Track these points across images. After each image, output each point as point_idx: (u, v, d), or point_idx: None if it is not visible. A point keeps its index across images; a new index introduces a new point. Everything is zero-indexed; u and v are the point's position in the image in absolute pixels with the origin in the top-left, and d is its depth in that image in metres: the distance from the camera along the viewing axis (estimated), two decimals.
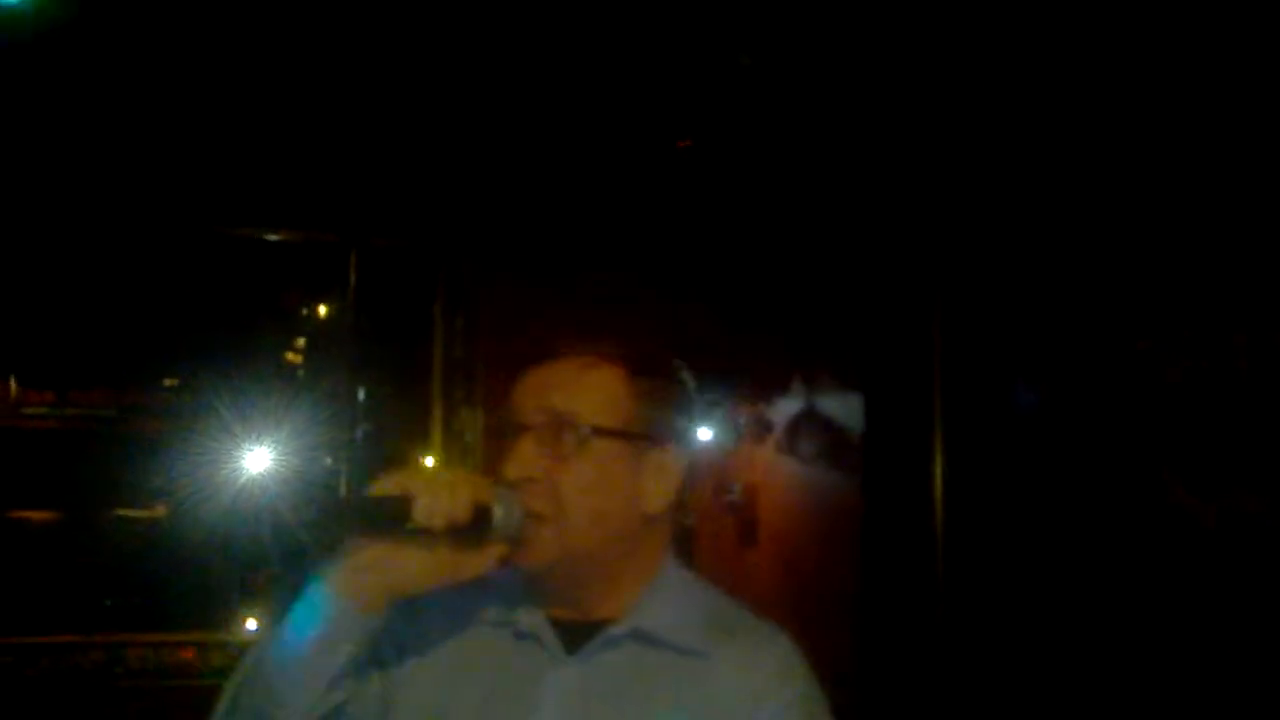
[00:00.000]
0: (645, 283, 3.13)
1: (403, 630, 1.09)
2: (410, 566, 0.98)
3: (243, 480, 3.20)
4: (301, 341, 3.36)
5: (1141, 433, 2.31)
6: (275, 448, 3.19)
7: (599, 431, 1.04)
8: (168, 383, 3.63)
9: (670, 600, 1.08)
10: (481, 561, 1.01)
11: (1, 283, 3.00)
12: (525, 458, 1.03)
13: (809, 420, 2.96)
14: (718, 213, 3.16)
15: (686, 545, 2.94)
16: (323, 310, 3.23)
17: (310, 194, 2.92)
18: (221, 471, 3.20)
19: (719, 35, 2.65)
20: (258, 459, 3.21)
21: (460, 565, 1.01)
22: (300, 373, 3.42)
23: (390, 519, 0.96)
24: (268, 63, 2.71)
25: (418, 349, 3.09)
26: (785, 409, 3.07)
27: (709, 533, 3.21)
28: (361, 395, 2.71)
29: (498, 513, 1.00)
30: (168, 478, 3.46)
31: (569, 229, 3.14)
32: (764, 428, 3.11)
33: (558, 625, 1.06)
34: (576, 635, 1.05)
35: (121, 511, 3.63)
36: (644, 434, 1.06)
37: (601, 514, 1.04)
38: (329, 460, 2.78)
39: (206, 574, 3.40)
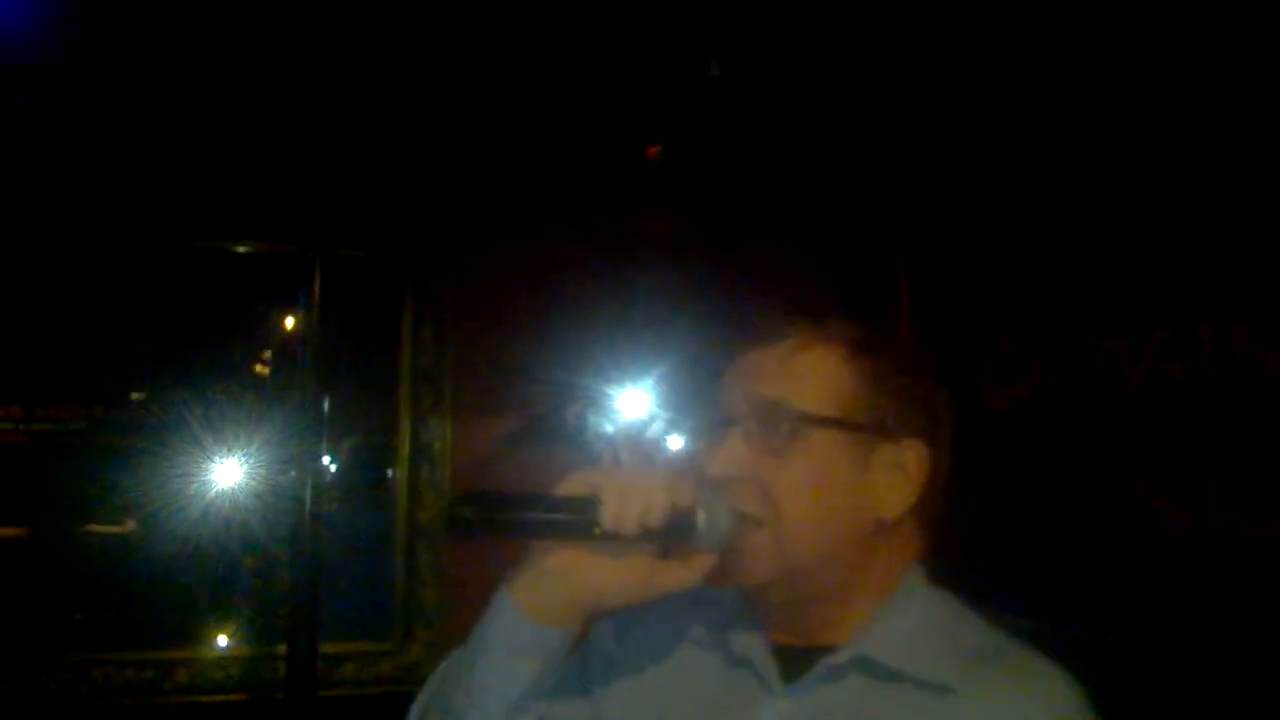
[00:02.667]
0: (617, 291, 3.11)
1: (611, 648, 1.00)
2: (600, 578, 0.86)
3: (212, 494, 3.17)
4: (269, 354, 3.32)
5: (1109, 435, 2.30)
6: (245, 461, 3.16)
7: (818, 421, 0.91)
8: (135, 396, 3.58)
9: (908, 623, 0.92)
10: (684, 575, 0.88)
11: None
12: (733, 454, 0.92)
13: None
14: (687, 219, 3.14)
15: None
16: (291, 322, 3.19)
17: (273, 205, 2.89)
18: (191, 485, 3.17)
19: (684, 45, 2.64)
20: (227, 472, 3.18)
21: (658, 578, 0.87)
22: (269, 385, 3.39)
23: (574, 523, 0.85)
24: (229, 77, 2.69)
25: (385, 359, 3.06)
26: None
27: None
28: (327, 407, 2.68)
29: (701, 518, 0.87)
30: (136, 492, 3.42)
31: (538, 237, 3.12)
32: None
33: (778, 650, 0.94)
34: (798, 663, 0.92)
35: (90, 527, 3.58)
36: (872, 424, 0.92)
37: (824, 518, 0.91)
38: (295, 473, 2.74)
39: (176, 589, 3.36)
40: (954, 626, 0.94)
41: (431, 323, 3.03)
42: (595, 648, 1.00)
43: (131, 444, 3.47)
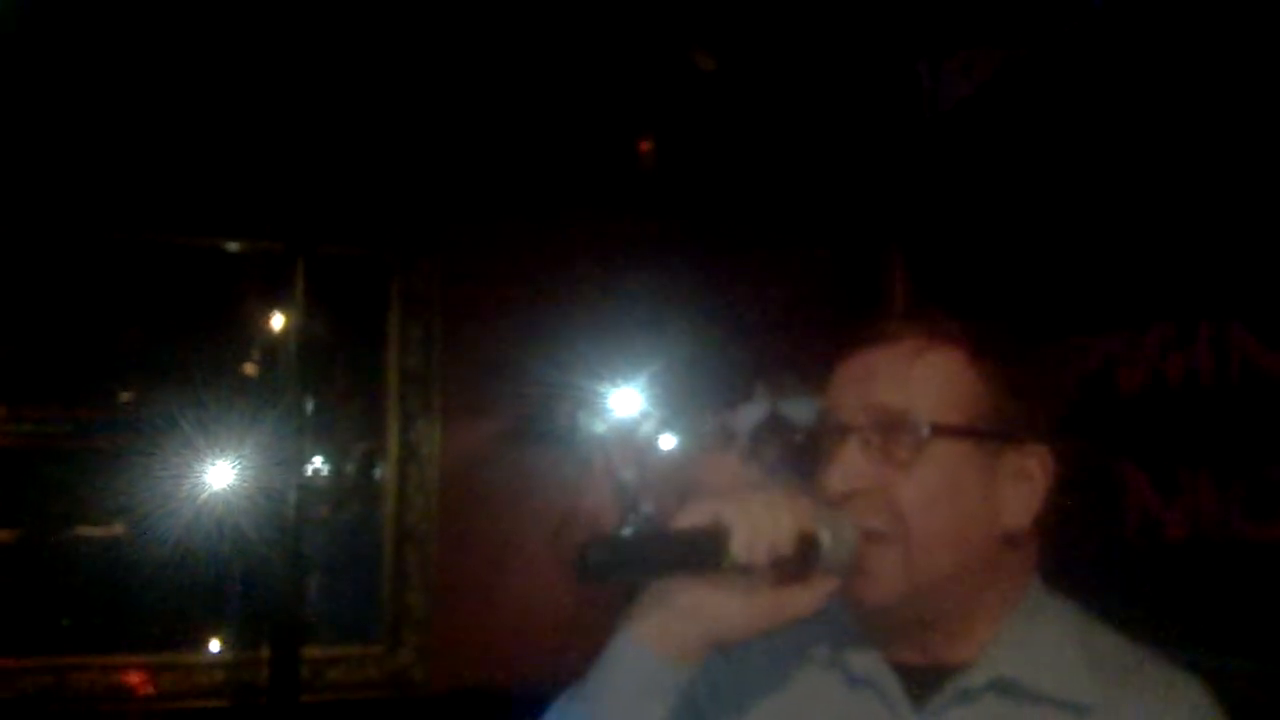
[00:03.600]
0: (607, 289, 3.07)
1: (719, 673, 0.94)
2: (730, 610, 0.82)
3: (200, 497, 3.13)
4: (258, 354, 3.29)
5: (1104, 433, 2.27)
6: (233, 463, 3.12)
7: (943, 430, 0.86)
8: (123, 397, 3.55)
9: (1041, 639, 0.88)
10: (810, 599, 0.84)
11: None
12: (853, 466, 0.87)
13: (772, 428, 2.89)
14: (676, 216, 3.11)
15: None
16: (280, 322, 3.16)
17: (257, 201, 2.86)
18: (178, 488, 3.13)
19: (673, 42, 2.61)
20: (215, 474, 3.14)
21: (785, 605, 0.84)
22: (258, 386, 3.35)
23: (703, 556, 0.81)
24: (213, 74, 2.67)
25: (373, 360, 3.02)
26: (748, 415, 3.01)
27: None
28: (311, 408, 2.64)
29: (825, 539, 0.83)
30: (126, 494, 3.39)
31: (527, 236, 3.08)
32: (728, 434, 3.04)
33: (901, 669, 0.89)
34: (924, 683, 0.88)
35: (79, 530, 3.55)
36: (997, 431, 0.87)
37: (953, 531, 0.86)
38: (280, 475, 2.70)
39: (163, 593, 3.33)
40: (1086, 639, 0.90)
41: (419, 322, 2.99)
42: (703, 674, 0.91)
43: (120, 445, 3.44)
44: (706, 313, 3.04)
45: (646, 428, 2.96)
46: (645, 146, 2.94)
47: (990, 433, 0.87)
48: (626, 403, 2.95)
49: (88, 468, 3.43)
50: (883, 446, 0.87)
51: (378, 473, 3.09)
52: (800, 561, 0.83)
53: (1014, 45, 2.50)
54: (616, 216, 3.07)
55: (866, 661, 0.90)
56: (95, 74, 2.65)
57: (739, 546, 0.80)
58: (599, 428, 2.96)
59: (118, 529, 3.47)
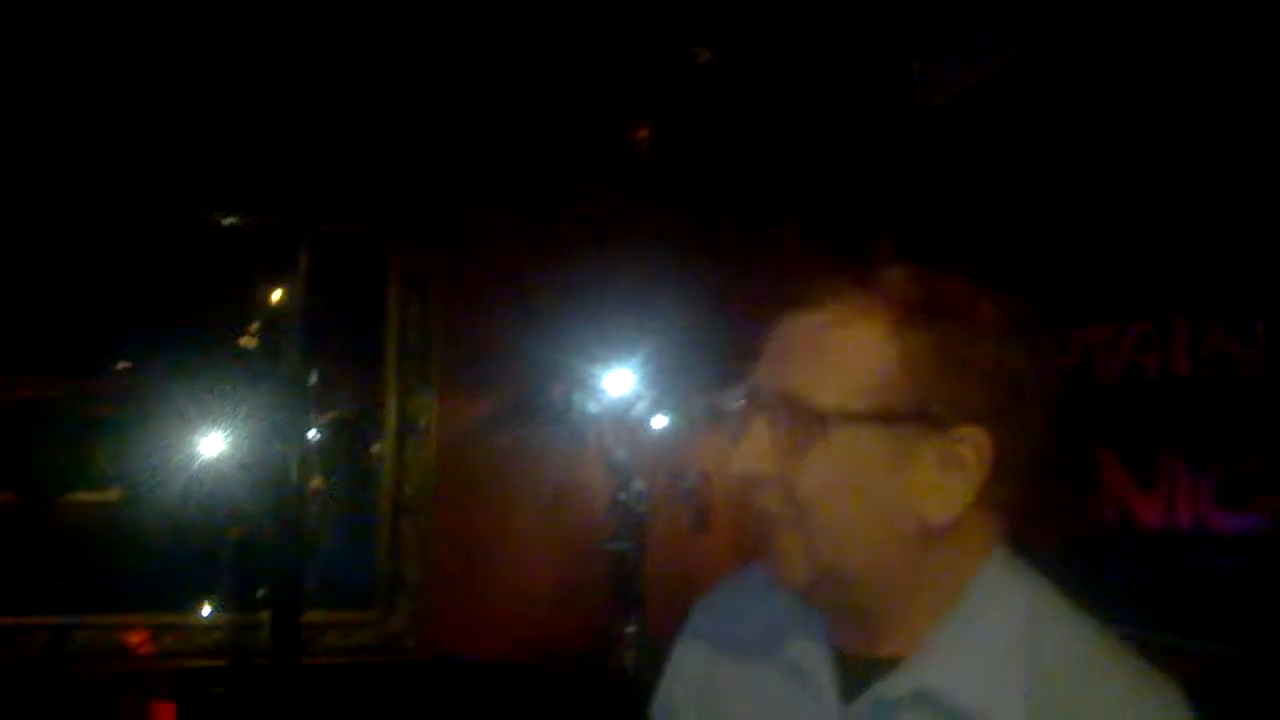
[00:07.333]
0: (605, 271, 3.14)
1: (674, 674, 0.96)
2: None
3: (197, 465, 3.19)
4: (256, 326, 3.34)
5: (1083, 423, 2.35)
6: (229, 433, 3.18)
7: (841, 417, 0.77)
8: (121, 366, 3.60)
9: (978, 646, 0.78)
10: None
11: None
12: (754, 448, 0.80)
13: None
14: (673, 198, 3.17)
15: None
16: (278, 295, 3.21)
17: (262, 178, 2.90)
18: (175, 456, 3.19)
19: (670, 27, 2.66)
20: (212, 444, 3.20)
21: None
22: (255, 357, 3.40)
23: None
24: (220, 47, 2.69)
25: (372, 334, 3.08)
26: (738, 397, 3.09)
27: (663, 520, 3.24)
28: (314, 380, 2.70)
29: None
30: (121, 461, 3.44)
31: (527, 216, 3.14)
32: (718, 413, 3.13)
33: (845, 661, 0.83)
34: (862, 676, 0.81)
35: (75, 495, 3.60)
36: (913, 415, 0.77)
37: (855, 523, 0.78)
38: (280, 445, 2.77)
39: (163, 557, 3.39)
40: (1034, 638, 0.78)
41: (419, 299, 3.05)
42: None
43: (117, 413, 3.49)
44: (699, 296, 3.12)
45: (639, 408, 3.04)
46: (642, 133, 3.00)
47: (903, 418, 0.77)
48: (620, 383, 3.03)
49: (88, 434, 3.49)
50: (786, 429, 0.79)
51: (374, 446, 3.16)
52: None
53: (1006, 44, 2.57)
54: (613, 201, 3.14)
55: (805, 651, 0.85)
56: (105, 48, 2.68)
57: None
58: (592, 407, 3.04)
59: (112, 494, 3.53)
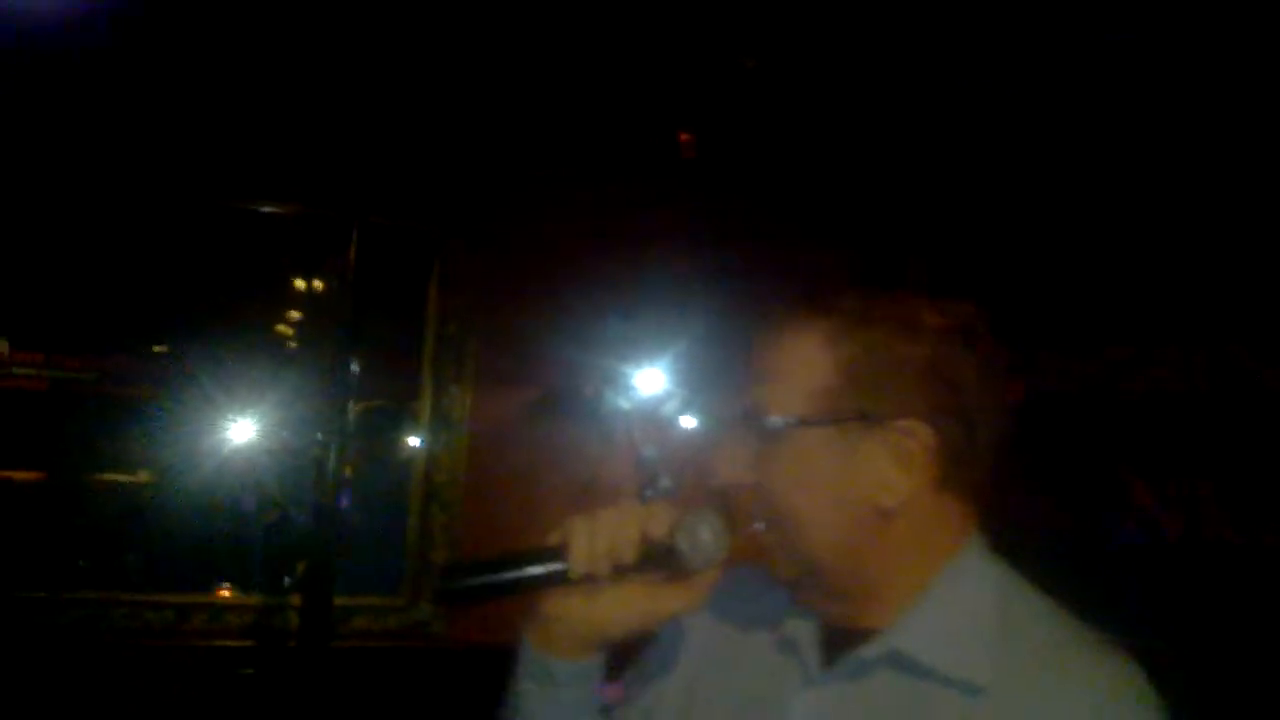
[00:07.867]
0: (640, 272, 3.20)
1: (669, 640, 1.01)
2: (597, 614, 0.88)
3: (228, 449, 3.25)
4: (294, 314, 3.40)
5: (1107, 437, 2.40)
6: (262, 419, 3.24)
7: (788, 424, 0.87)
8: (157, 349, 3.66)
9: (950, 614, 0.86)
10: (687, 597, 0.88)
11: None
12: (730, 459, 0.91)
13: None
14: (710, 204, 3.23)
15: None
16: (317, 284, 3.27)
17: (312, 170, 2.96)
18: (207, 440, 3.25)
19: (716, 33, 2.72)
20: (244, 429, 3.26)
21: (660, 604, 0.88)
22: (291, 345, 3.46)
23: (551, 571, 0.86)
24: (272, 37, 2.75)
25: (410, 326, 3.14)
26: None
27: None
28: (355, 369, 2.76)
29: (682, 544, 0.86)
30: (153, 444, 3.50)
31: (567, 217, 3.20)
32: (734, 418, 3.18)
33: (831, 633, 0.91)
34: (843, 646, 0.89)
35: (106, 475, 3.65)
36: (857, 412, 0.86)
37: (818, 515, 0.88)
38: (317, 434, 2.82)
39: (189, 541, 3.44)
40: (1003, 616, 0.86)
41: (458, 294, 3.11)
42: (660, 641, 1.02)
43: (151, 396, 3.54)
44: (730, 298, 3.18)
45: (669, 407, 3.10)
46: (684, 137, 3.06)
47: (842, 417, 0.86)
48: (651, 382, 3.09)
49: (121, 415, 3.55)
50: (754, 440, 0.89)
51: (408, 436, 3.22)
52: (659, 566, 0.87)
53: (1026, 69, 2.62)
54: (650, 204, 3.20)
55: (796, 626, 0.93)
56: (151, 40, 2.73)
57: (576, 560, 0.86)
58: (623, 404, 3.10)
59: (147, 476, 3.59)
